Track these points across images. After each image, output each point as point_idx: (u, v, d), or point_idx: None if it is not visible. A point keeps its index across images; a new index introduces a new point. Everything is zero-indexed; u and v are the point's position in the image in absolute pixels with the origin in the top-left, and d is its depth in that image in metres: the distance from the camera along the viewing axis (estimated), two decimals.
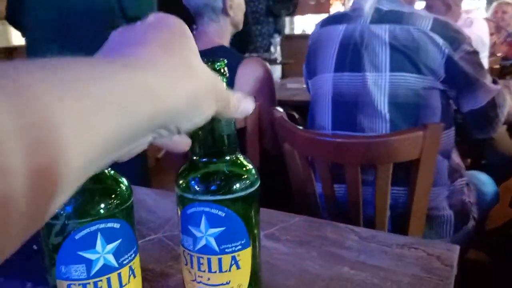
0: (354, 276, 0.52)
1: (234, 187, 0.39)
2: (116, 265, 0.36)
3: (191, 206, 0.39)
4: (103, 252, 0.35)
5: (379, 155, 0.97)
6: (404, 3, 1.15)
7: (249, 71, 1.22)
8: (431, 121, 1.04)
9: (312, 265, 0.55)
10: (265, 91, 1.25)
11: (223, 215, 0.38)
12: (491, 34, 3.28)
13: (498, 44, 3.33)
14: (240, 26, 1.44)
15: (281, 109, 1.17)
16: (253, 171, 0.41)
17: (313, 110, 1.23)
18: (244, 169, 0.40)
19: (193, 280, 0.41)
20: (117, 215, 0.35)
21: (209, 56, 1.31)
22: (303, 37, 5.05)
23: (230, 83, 1.22)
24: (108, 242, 0.35)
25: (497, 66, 2.93)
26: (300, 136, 1.07)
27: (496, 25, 3.48)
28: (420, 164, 0.97)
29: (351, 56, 1.11)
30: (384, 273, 0.52)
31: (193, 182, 0.40)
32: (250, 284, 0.41)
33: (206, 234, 0.39)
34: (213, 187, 0.39)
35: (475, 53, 1.07)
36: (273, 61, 3.44)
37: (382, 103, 1.06)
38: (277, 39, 3.47)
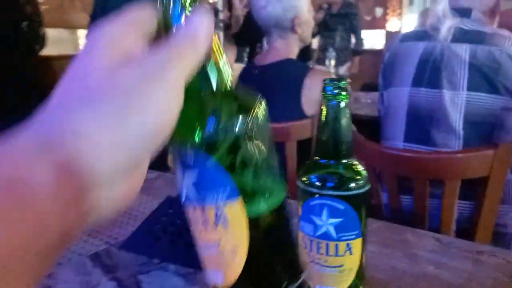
0: (439, 275, 0.58)
1: (352, 185, 0.47)
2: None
3: (314, 199, 0.47)
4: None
5: (448, 171, 1.01)
6: (485, 23, 1.19)
7: (316, 82, 1.29)
8: (505, 141, 1.06)
9: (399, 263, 0.61)
10: None
11: (342, 208, 0.46)
12: None
13: None
14: (308, 41, 1.52)
15: None
16: (366, 174, 0.49)
17: (386, 121, 1.28)
18: (359, 171, 0.48)
19: (311, 262, 0.49)
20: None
21: (276, 68, 1.41)
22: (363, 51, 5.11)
23: (297, 93, 1.30)
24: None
25: None
26: (369, 149, 1.12)
27: None
28: (489, 181, 1.00)
29: (430, 73, 1.15)
30: (468, 274, 0.58)
31: (316, 179, 0.48)
32: (358, 270, 0.49)
33: (327, 223, 0.47)
34: (334, 184, 0.47)
35: None
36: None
37: (457, 121, 1.10)
38: (332, 53, 3.53)
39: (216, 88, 0.29)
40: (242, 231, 0.30)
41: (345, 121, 0.47)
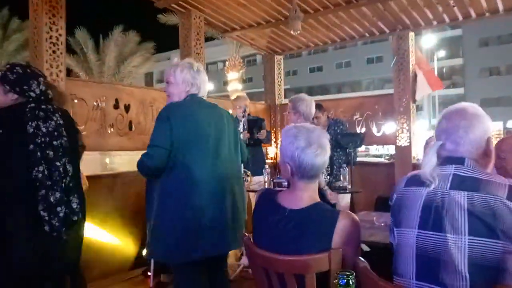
0: None
1: None
2: None
3: None
4: None
5: None
6: (480, 169, 1.29)
7: (346, 225, 1.42)
8: (510, 284, 1.12)
9: None
10: (353, 242, 1.43)
11: None
12: None
13: None
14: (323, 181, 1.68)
15: (364, 260, 1.31)
16: None
17: (397, 258, 1.36)
18: None
19: None
20: None
21: (308, 213, 1.56)
22: (374, 164, 5.33)
23: (329, 235, 1.40)
24: None
25: None
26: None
27: None
28: None
29: (434, 217, 1.25)
30: None
31: None
32: None
33: None
34: None
35: None
36: (343, 189, 3.65)
37: (462, 264, 1.16)
38: (346, 169, 3.71)
39: None
40: None
41: None
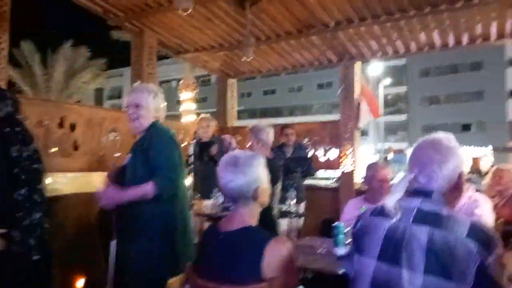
0: None
1: None
2: None
3: None
4: None
5: None
6: (445, 204, 1.27)
7: (276, 252, 1.39)
8: None
9: None
10: (288, 270, 1.41)
11: None
12: (493, 197, 3.52)
13: (499, 207, 3.53)
14: (266, 203, 1.69)
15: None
16: None
17: (354, 285, 1.36)
18: None
19: None
20: None
21: (239, 235, 1.60)
22: (320, 188, 5.49)
23: (257, 262, 1.38)
24: None
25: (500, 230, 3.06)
26: None
27: (496, 189, 3.75)
28: None
29: (393, 251, 1.22)
30: None
31: None
32: None
33: None
34: None
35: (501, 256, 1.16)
36: (288, 213, 3.71)
37: None
38: (293, 192, 3.79)
39: None
40: None
41: None
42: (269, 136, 3.15)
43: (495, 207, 3.38)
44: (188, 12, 3.60)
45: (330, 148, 5.59)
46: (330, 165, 5.56)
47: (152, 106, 2.25)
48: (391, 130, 32.21)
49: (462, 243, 1.14)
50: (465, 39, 5.09)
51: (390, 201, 1.30)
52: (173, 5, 3.76)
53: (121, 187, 2.12)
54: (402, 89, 33.69)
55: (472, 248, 1.13)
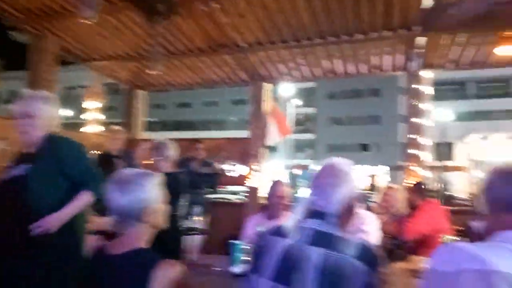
0: None
1: None
2: None
3: None
4: None
5: None
6: (338, 226, 1.33)
7: (164, 275, 1.31)
8: None
9: None
10: None
11: None
12: (382, 214, 3.83)
13: (387, 224, 3.84)
14: (160, 226, 1.61)
15: None
16: None
17: None
18: None
19: None
20: None
21: (126, 259, 1.52)
22: (226, 204, 5.52)
23: (144, 285, 1.30)
24: None
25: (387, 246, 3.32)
26: None
27: (384, 206, 4.10)
28: None
29: (287, 272, 1.25)
30: None
31: None
32: None
33: None
34: None
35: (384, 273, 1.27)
36: (192, 229, 3.68)
37: None
38: (198, 208, 3.78)
39: None
40: None
41: None
42: (172, 151, 3.14)
43: (383, 223, 3.66)
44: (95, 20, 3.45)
45: (239, 164, 5.68)
46: (238, 180, 5.64)
47: (46, 116, 2.09)
48: (300, 147, 33.72)
49: (351, 264, 1.21)
50: (364, 68, 5.59)
51: (289, 222, 1.36)
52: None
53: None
54: (311, 110, 35.55)
55: (360, 268, 1.21)
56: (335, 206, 1.36)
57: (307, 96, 34.43)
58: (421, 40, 4.59)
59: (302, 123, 35.31)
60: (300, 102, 31.38)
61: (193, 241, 3.85)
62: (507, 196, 1.08)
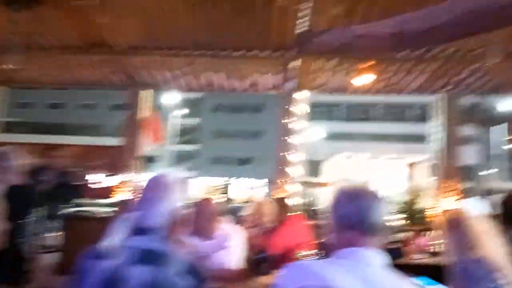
0: None
1: None
2: None
3: None
4: None
5: None
6: (167, 241, 1.28)
7: None
8: None
9: None
10: None
11: None
12: (250, 227, 3.91)
13: (255, 237, 3.94)
14: None
15: None
16: None
17: None
18: None
19: None
20: None
21: None
22: (89, 219, 5.09)
23: None
24: None
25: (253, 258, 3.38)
26: None
27: (253, 219, 4.21)
28: None
29: None
30: None
31: None
32: None
33: None
34: None
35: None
36: (46, 247, 3.30)
37: None
38: (54, 224, 3.40)
39: None
40: None
41: None
42: (14, 160, 2.77)
43: (252, 237, 3.74)
44: None
45: (110, 174, 5.31)
46: (106, 192, 5.27)
47: None
48: (183, 158, 33.34)
49: (176, 280, 1.19)
50: (245, 84, 5.75)
51: (110, 241, 1.29)
52: None
53: None
54: (196, 121, 35.53)
55: (191, 283, 1.20)
56: (161, 221, 1.31)
57: (192, 106, 34.37)
58: (295, 63, 4.90)
59: (186, 134, 35.07)
60: (185, 112, 31.18)
61: (47, 260, 3.44)
62: (350, 215, 1.16)
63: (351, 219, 1.16)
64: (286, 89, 5.66)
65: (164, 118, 28.57)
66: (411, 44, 3.54)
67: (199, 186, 31.80)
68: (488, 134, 21.42)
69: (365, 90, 5.74)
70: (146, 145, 5.35)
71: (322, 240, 3.19)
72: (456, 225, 1.83)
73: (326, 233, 1.27)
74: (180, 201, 1.37)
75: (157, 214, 1.31)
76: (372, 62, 4.43)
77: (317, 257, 2.65)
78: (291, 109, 5.67)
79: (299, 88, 5.64)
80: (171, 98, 23.70)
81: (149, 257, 1.23)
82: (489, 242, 1.75)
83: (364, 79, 4.66)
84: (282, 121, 5.77)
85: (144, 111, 5.53)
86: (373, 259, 1.13)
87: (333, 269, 1.08)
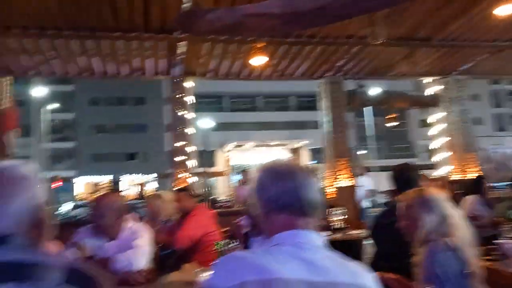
0: None
1: None
2: None
3: None
4: None
5: None
6: (30, 247, 1.02)
7: None
8: None
9: None
10: None
11: None
12: (147, 222, 3.55)
13: (158, 232, 3.59)
14: None
15: None
16: None
17: None
18: None
19: None
20: None
21: None
22: None
23: None
24: None
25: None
26: None
27: (151, 215, 3.87)
28: None
29: None
30: None
31: None
32: None
33: None
34: None
35: None
36: None
37: None
38: None
39: None
40: None
41: None
42: None
43: (155, 233, 3.42)
44: None
45: None
46: None
47: None
48: (58, 157, 30.34)
49: None
50: (125, 70, 5.23)
51: None
52: None
53: None
54: (70, 116, 32.60)
55: None
56: (13, 225, 1.02)
57: (65, 100, 31.39)
58: (182, 47, 4.58)
59: (60, 130, 31.94)
60: (57, 107, 28.38)
61: None
62: (277, 196, 1.08)
63: (280, 201, 1.07)
64: (173, 75, 5.31)
65: (33, 112, 25.53)
66: (299, 23, 3.51)
67: (83, 186, 29.36)
68: (362, 117, 23.79)
69: (255, 76, 5.70)
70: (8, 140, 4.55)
71: (233, 226, 3.03)
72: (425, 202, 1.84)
73: (255, 218, 1.16)
74: (34, 198, 1.07)
75: (9, 217, 1.02)
76: (262, 44, 4.34)
77: (238, 244, 2.47)
78: (178, 97, 5.36)
79: (186, 73, 5.34)
80: (38, 91, 21.24)
81: (10, 271, 0.95)
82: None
83: (255, 61, 4.57)
84: (172, 111, 5.44)
85: (3, 101, 4.67)
86: (314, 240, 1.06)
87: (274, 257, 0.98)
